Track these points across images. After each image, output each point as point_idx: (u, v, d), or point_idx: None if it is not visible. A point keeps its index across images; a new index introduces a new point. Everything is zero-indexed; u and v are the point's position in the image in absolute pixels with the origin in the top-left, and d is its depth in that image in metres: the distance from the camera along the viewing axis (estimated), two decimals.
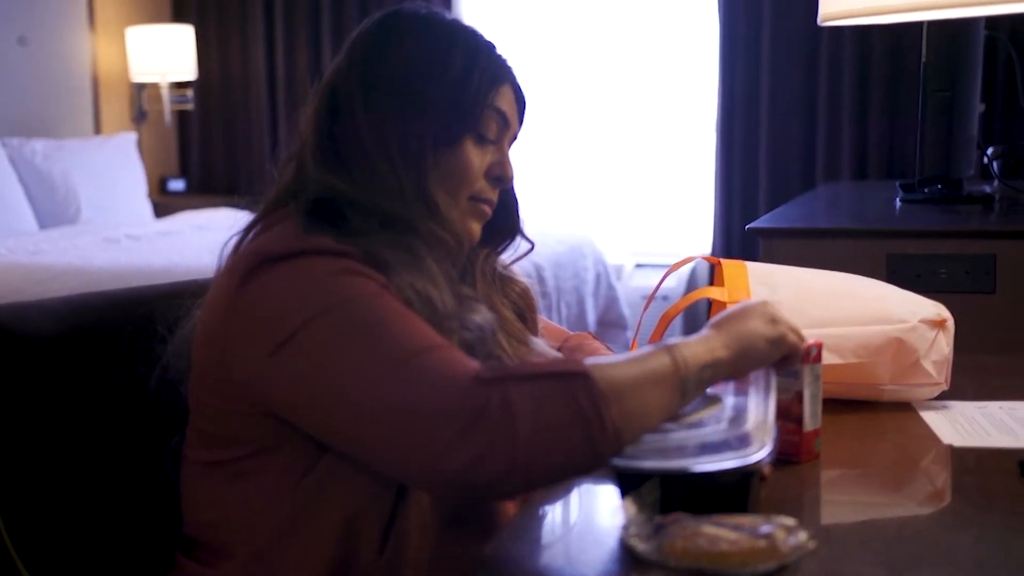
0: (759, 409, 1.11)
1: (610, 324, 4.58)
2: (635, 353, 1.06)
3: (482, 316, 1.19)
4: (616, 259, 5.07)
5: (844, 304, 1.47)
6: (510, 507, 1.19)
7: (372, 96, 1.23)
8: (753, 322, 1.15)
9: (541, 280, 3.92)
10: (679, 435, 1.05)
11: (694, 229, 5.18)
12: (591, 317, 4.40)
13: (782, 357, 1.18)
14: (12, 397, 1.20)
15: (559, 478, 1.04)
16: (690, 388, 1.08)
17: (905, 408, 1.46)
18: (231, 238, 1.23)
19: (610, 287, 4.56)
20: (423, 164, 1.21)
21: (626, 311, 4.64)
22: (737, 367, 1.13)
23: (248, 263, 1.10)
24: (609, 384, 0.99)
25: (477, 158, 1.25)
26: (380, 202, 1.18)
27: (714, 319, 1.17)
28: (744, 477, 1.04)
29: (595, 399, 0.97)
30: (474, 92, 1.23)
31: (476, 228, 1.28)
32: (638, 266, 5.14)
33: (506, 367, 1.03)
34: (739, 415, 1.10)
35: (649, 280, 4.96)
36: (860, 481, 1.26)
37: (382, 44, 1.26)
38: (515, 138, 1.31)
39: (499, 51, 1.29)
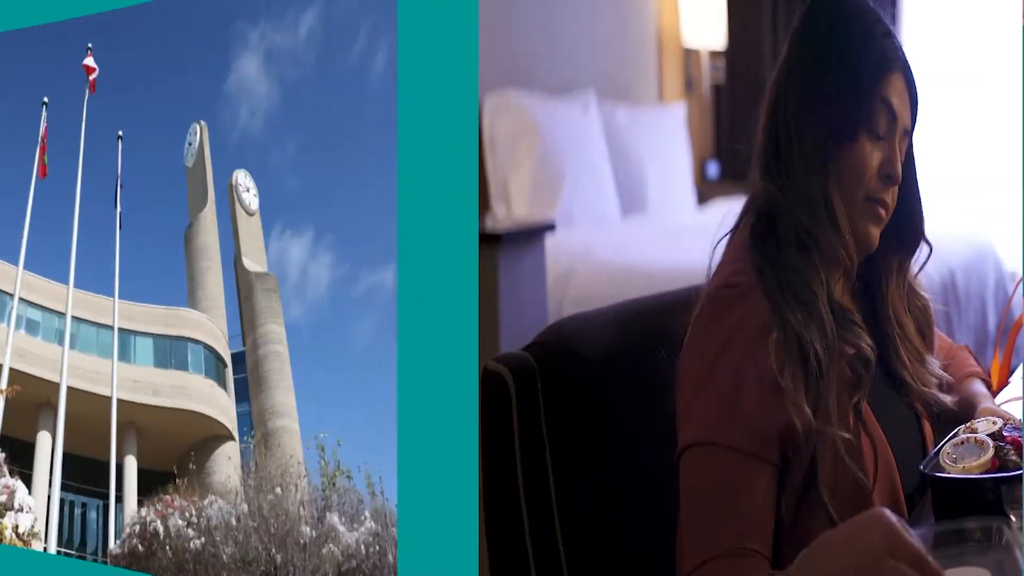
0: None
1: (1007, 331, 4.35)
2: None
3: (862, 343, 1.20)
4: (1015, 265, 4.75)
5: None
6: None
7: (791, 87, 1.18)
8: (838, 560, 0.97)
9: (954, 286, 3.76)
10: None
11: None
12: (991, 323, 4.28)
13: None
14: (571, 411, 1.30)
15: None
16: None
17: None
18: (719, 240, 1.28)
19: (1005, 293, 4.36)
20: (826, 162, 1.16)
21: None
22: None
23: (701, 316, 1.20)
24: None
25: (871, 154, 1.17)
26: (798, 214, 1.16)
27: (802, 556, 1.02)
28: (996, 483, 1.17)
29: None
30: (865, 80, 1.15)
31: (874, 232, 1.22)
32: None
33: None
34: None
35: None
36: None
37: (801, 26, 1.21)
38: (908, 134, 1.21)
39: (895, 37, 1.20)
